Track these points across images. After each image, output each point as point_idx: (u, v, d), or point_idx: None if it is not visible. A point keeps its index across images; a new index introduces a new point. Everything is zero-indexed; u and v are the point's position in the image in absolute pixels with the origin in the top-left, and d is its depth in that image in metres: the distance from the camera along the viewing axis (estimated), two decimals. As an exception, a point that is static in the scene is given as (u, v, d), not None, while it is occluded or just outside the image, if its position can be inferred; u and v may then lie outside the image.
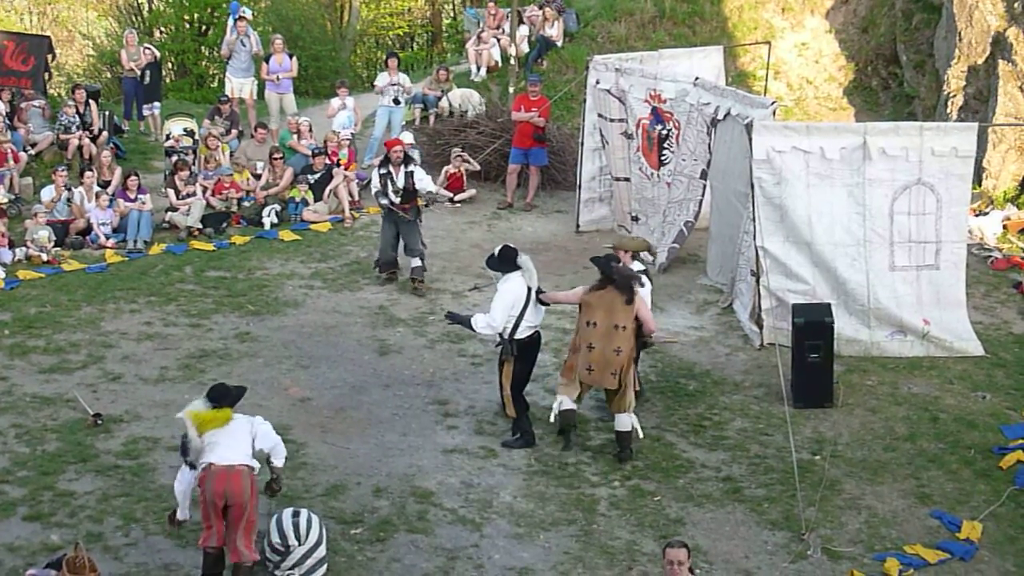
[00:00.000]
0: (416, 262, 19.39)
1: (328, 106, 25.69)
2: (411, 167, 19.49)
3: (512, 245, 14.85)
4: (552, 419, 14.69)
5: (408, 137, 23.91)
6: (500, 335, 14.54)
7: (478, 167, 24.28)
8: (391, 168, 19.38)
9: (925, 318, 17.21)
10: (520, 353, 14.60)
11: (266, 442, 12.07)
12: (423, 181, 19.53)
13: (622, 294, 14.22)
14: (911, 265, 17.21)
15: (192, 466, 11.75)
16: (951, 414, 15.63)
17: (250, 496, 11.67)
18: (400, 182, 19.31)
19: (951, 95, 25.04)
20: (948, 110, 25.00)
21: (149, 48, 26.80)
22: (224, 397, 12.03)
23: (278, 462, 12.25)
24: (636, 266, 15.21)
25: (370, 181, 20.53)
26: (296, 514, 12.08)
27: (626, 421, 14.41)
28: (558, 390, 14.72)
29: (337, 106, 25.05)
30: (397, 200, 19.30)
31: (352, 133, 24.75)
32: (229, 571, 11.84)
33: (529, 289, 14.49)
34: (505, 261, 14.56)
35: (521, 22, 28.13)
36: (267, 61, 25.64)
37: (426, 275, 19.40)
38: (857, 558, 12.65)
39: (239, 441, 11.83)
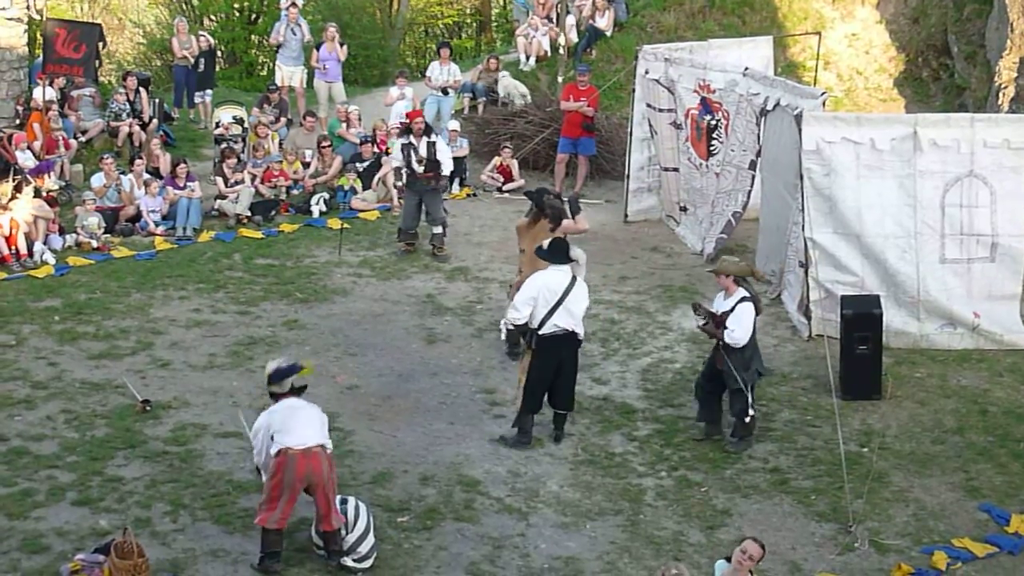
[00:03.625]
0: (438, 229, 20.02)
1: (387, 95, 25.72)
2: (433, 138, 20.04)
3: (563, 238, 14.81)
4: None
5: (455, 125, 24.04)
6: (528, 324, 14.19)
7: (517, 169, 24.09)
8: (412, 139, 19.80)
9: (975, 311, 17.09)
10: (539, 349, 14.19)
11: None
12: (444, 153, 20.11)
13: (550, 223, 15.78)
14: (962, 258, 17.07)
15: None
16: (1000, 407, 15.54)
17: (329, 472, 11.85)
18: (423, 152, 19.72)
19: (1002, 86, 24.82)
20: (999, 101, 24.77)
21: (204, 35, 26.95)
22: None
23: None
24: (740, 292, 14.16)
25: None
26: (344, 501, 12.14)
27: None
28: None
29: (396, 95, 25.04)
30: (421, 169, 19.67)
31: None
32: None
33: (569, 287, 14.10)
34: (555, 253, 14.31)
35: (568, 11, 28.06)
36: (318, 49, 25.73)
37: (447, 242, 20.14)
38: (905, 551, 12.59)
39: (316, 421, 11.98)
